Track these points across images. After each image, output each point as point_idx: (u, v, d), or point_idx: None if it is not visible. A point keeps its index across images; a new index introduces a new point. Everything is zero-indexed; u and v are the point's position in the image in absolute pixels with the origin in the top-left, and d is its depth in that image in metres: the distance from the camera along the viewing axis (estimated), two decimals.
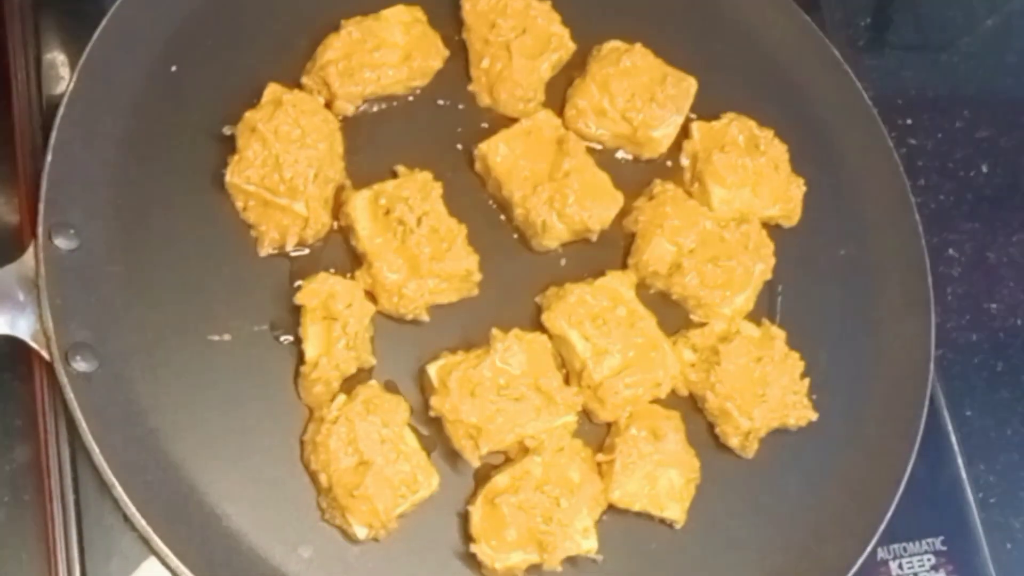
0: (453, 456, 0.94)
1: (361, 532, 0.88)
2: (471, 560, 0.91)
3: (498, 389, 0.92)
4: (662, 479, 0.96)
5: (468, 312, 0.99)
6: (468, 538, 0.91)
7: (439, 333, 0.97)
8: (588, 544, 0.92)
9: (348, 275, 0.96)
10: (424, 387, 0.95)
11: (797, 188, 1.11)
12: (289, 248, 0.96)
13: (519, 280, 1.02)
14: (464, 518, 0.92)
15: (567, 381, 0.98)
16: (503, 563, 0.90)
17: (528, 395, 0.93)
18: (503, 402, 0.92)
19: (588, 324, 0.97)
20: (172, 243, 0.93)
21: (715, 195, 1.07)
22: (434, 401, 0.92)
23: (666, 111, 1.08)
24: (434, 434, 0.94)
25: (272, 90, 0.98)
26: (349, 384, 0.92)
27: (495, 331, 0.94)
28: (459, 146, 1.05)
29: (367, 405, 0.90)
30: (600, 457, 0.97)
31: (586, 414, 0.99)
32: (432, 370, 0.93)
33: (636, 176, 1.09)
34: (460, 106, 1.06)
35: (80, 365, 0.85)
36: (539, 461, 0.92)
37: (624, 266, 1.05)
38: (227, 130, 0.97)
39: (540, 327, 0.99)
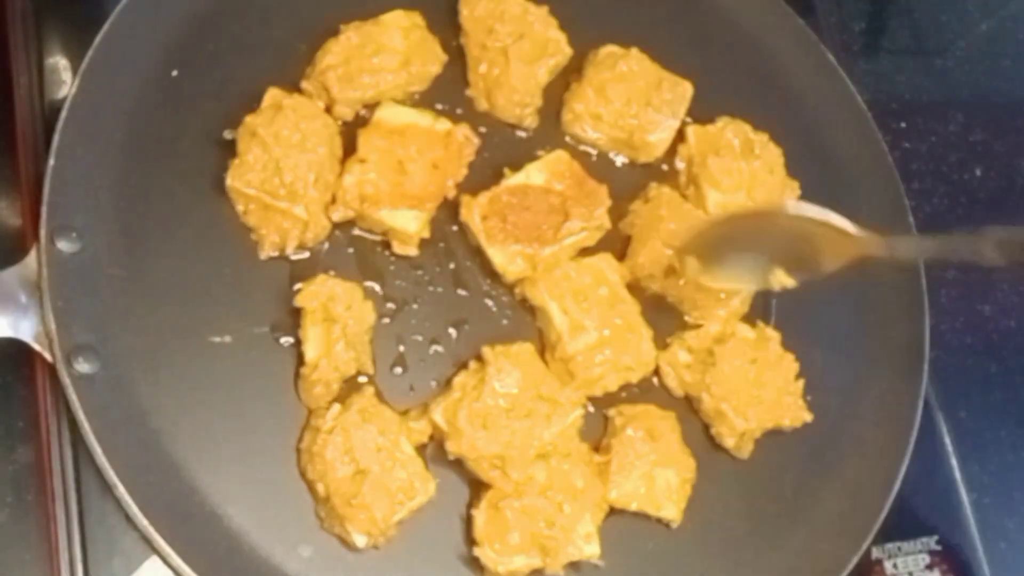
0: (449, 461, 0.94)
1: (360, 540, 0.88)
2: (473, 563, 0.91)
3: (506, 413, 0.92)
4: (658, 479, 0.97)
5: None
6: (471, 542, 0.91)
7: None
8: (590, 549, 0.93)
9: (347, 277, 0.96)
10: (434, 429, 0.94)
11: (792, 192, 1.11)
12: (289, 251, 0.96)
13: None
14: (464, 522, 0.93)
15: (542, 354, 0.98)
16: (506, 567, 0.91)
17: (535, 407, 0.93)
18: (515, 423, 0.92)
19: (569, 298, 0.98)
20: (173, 246, 0.94)
21: (710, 198, 1.08)
22: (450, 445, 0.91)
23: (662, 115, 1.09)
24: (430, 440, 0.95)
25: (272, 95, 0.98)
26: (345, 392, 0.93)
27: (485, 349, 0.95)
28: None
29: (362, 414, 0.90)
30: (597, 458, 0.98)
31: None
32: (438, 415, 0.92)
33: (632, 180, 1.10)
34: (458, 111, 1.07)
35: (82, 367, 0.86)
36: (543, 466, 0.93)
37: None
38: (228, 134, 0.97)
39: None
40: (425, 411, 0.93)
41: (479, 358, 0.94)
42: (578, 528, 0.93)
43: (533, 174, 1.02)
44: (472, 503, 0.93)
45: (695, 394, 1.02)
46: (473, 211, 1.00)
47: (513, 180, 1.02)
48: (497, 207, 1.00)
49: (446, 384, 0.95)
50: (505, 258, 1.00)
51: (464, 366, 0.96)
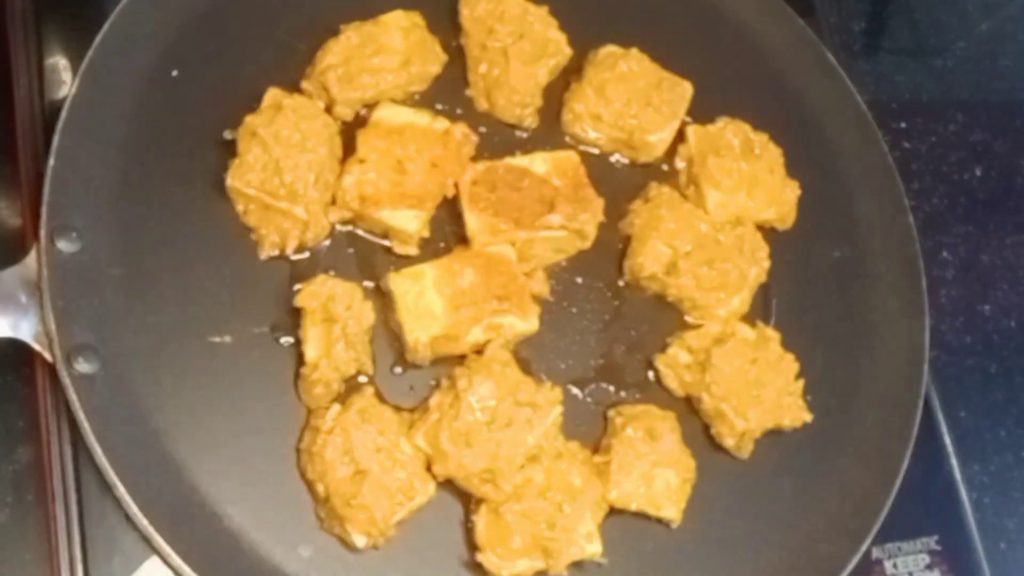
0: None
1: (360, 540, 0.88)
2: (473, 562, 0.91)
3: (487, 426, 0.92)
4: (658, 479, 0.97)
5: None
6: (473, 547, 0.91)
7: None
8: (592, 548, 0.93)
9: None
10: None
11: (792, 191, 1.12)
12: (289, 251, 0.96)
13: None
14: (464, 521, 0.93)
15: None
16: (509, 571, 0.91)
17: (515, 414, 0.93)
18: (498, 434, 0.92)
19: None
20: (173, 246, 0.94)
21: (710, 198, 1.08)
22: (437, 468, 0.91)
23: (662, 115, 1.09)
24: None
25: (272, 95, 0.98)
26: (345, 392, 0.93)
27: (457, 370, 0.94)
28: None
29: (362, 414, 0.90)
30: (597, 458, 0.98)
31: None
32: (421, 441, 0.92)
33: (632, 180, 1.10)
34: (458, 111, 1.07)
35: (82, 367, 0.86)
36: (540, 468, 0.93)
37: (620, 268, 1.06)
38: (228, 134, 0.97)
39: None
40: (425, 412, 0.93)
41: (450, 376, 0.94)
42: (579, 527, 0.92)
43: (537, 162, 1.03)
44: (472, 504, 0.93)
45: (695, 394, 1.02)
46: (466, 173, 1.00)
47: (516, 160, 1.03)
48: (490, 177, 1.01)
49: (423, 406, 0.94)
50: (478, 225, 1.00)
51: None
